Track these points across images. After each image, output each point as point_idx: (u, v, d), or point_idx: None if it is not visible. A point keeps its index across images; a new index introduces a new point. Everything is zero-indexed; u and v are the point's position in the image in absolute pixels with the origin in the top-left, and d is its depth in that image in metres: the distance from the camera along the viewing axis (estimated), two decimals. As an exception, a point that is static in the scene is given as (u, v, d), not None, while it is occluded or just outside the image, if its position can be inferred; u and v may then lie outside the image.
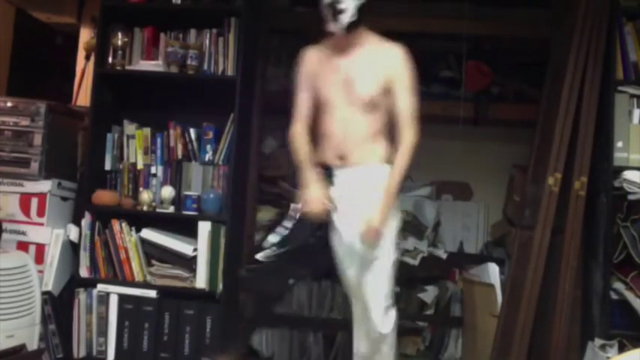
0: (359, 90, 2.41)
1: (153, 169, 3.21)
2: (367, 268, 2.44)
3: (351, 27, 2.35)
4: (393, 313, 2.52)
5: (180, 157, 3.21)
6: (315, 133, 2.55)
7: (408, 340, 3.77)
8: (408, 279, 3.78)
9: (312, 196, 2.44)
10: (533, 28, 3.78)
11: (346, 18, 2.32)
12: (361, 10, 2.34)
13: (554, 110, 3.13)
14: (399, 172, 2.42)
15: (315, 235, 2.50)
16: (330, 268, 2.55)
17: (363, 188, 2.45)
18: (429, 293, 3.80)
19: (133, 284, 3.08)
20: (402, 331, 3.75)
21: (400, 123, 2.42)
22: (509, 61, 4.04)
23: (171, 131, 3.21)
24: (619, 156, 2.97)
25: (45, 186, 3.14)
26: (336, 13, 2.32)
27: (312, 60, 2.52)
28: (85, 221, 3.10)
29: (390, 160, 2.46)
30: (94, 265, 3.10)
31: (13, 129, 3.17)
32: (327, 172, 2.49)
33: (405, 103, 2.42)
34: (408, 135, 2.41)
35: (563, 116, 3.04)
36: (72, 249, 3.17)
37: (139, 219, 3.12)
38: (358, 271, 2.46)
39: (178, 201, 3.15)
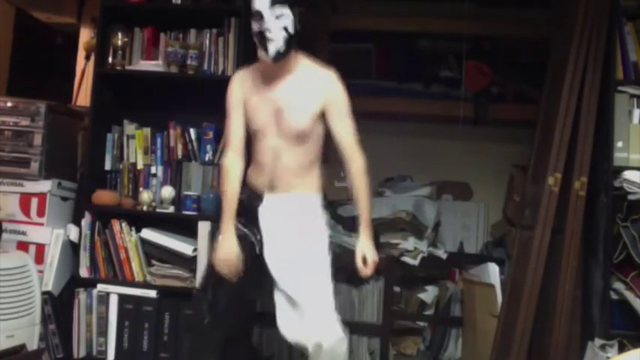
0: (289, 121, 2.32)
1: (153, 169, 3.21)
2: (304, 280, 2.33)
3: (279, 57, 2.28)
4: (340, 331, 2.29)
5: (180, 157, 3.21)
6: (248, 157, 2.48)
7: (408, 340, 3.77)
8: (408, 279, 3.78)
9: (226, 250, 2.31)
10: (533, 28, 3.79)
11: (274, 48, 2.26)
12: (289, 42, 2.28)
13: (554, 110, 3.13)
14: (366, 198, 2.36)
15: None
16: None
17: (292, 213, 2.37)
18: (429, 293, 3.81)
19: (133, 284, 3.08)
20: (402, 331, 3.76)
21: (345, 149, 2.36)
22: (509, 61, 4.05)
23: (171, 131, 3.21)
24: (619, 156, 2.97)
25: (45, 186, 3.14)
26: (265, 42, 2.25)
27: (243, 84, 2.42)
28: (85, 221, 3.10)
29: (321, 189, 2.42)
30: (94, 265, 3.10)
31: (13, 129, 3.17)
32: (255, 196, 2.40)
33: (346, 129, 2.35)
34: (358, 159, 2.36)
35: (563, 116, 3.05)
36: (72, 249, 3.17)
37: (139, 219, 3.12)
38: (293, 284, 2.33)
39: (178, 201, 3.15)
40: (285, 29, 2.27)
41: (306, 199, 2.41)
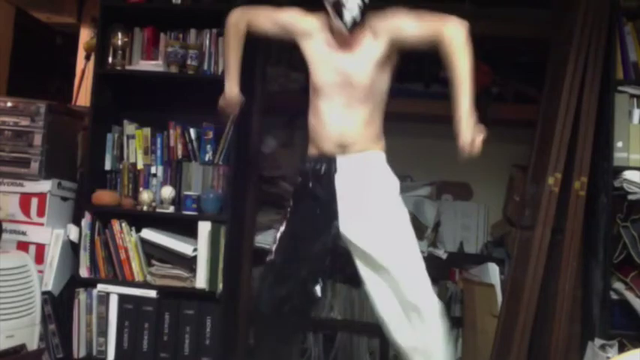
0: (357, 81, 2.35)
1: (153, 169, 3.21)
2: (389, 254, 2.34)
3: (354, 26, 2.31)
4: (434, 297, 2.35)
5: (180, 157, 3.21)
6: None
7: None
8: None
9: (230, 93, 2.57)
10: (533, 28, 3.78)
11: (350, 16, 2.28)
12: (364, 10, 2.30)
13: (554, 110, 3.13)
14: (467, 77, 2.20)
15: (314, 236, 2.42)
16: (332, 268, 2.50)
17: (367, 176, 2.39)
18: (429, 293, 3.80)
19: (133, 284, 3.08)
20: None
21: (433, 30, 2.26)
22: (509, 61, 4.04)
23: (171, 131, 3.21)
24: (619, 156, 2.97)
25: (45, 186, 3.14)
26: (341, 10, 2.28)
27: (312, 27, 2.40)
28: (85, 221, 3.10)
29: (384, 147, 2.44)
30: (94, 265, 3.10)
31: (13, 129, 3.17)
32: (327, 160, 2.42)
33: (424, 22, 2.29)
34: (452, 24, 2.25)
35: (563, 116, 3.05)
36: (72, 249, 3.17)
37: (139, 219, 3.12)
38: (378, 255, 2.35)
39: (178, 201, 3.14)
40: None
41: (377, 159, 2.42)
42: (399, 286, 2.31)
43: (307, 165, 2.46)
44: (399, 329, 2.35)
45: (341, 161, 2.40)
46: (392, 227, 2.37)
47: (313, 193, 2.43)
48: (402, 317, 2.33)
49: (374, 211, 2.38)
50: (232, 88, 2.58)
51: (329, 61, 2.39)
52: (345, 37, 2.36)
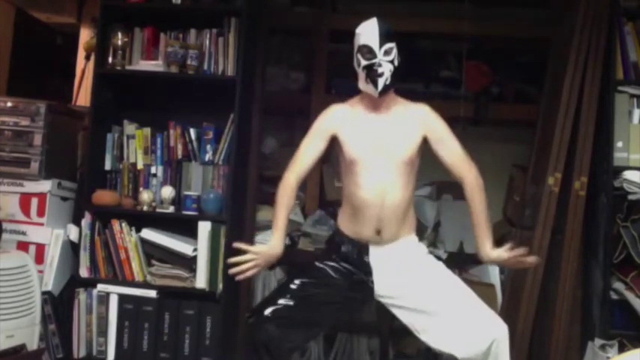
0: (396, 149, 2.33)
1: (153, 169, 3.21)
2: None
3: (385, 91, 2.31)
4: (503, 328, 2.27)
5: (180, 157, 3.21)
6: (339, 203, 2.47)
7: (408, 340, 3.77)
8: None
9: (276, 248, 2.37)
10: (533, 28, 3.79)
11: (382, 82, 2.29)
12: (395, 74, 2.32)
13: (554, 110, 3.13)
14: (484, 213, 2.37)
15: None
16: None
17: (404, 263, 2.37)
18: (429, 293, 3.80)
19: (133, 284, 3.08)
20: (402, 331, 3.75)
21: (455, 168, 2.38)
22: (509, 61, 4.05)
23: (171, 131, 3.21)
24: (619, 156, 2.97)
25: (45, 186, 3.14)
26: (375, 76, 2.28)
27: (335, 118, 2.40)
28: (85, 221, 3.10)
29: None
30: (94, 265, 3.10)
31: (13, 129, 3.17)
32: (359, 247, 2.38)
33: (452, 148, 2.38)
34: (470, 173, 2.37)
35: (563, 116, 3.05)
36: (72, 249, 3.17)
37: (139, 219, 3.12)
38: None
39: (178, 201, 3.14)
40: (392, 62, 2.31)
41: (411, 245, 2.41)
42: (467, 324, 2.28)
43: (339, 244, 2.42)
44: None
45: (374, 250, 2.37)
46: (436, 276, 2.37)
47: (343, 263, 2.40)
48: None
49: (414, 271, 2.37)
50: (279, 245, 2.39)
51: (363, 130, 2.36)
52: (372, 103, 2.37)
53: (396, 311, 2.39)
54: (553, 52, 3.45)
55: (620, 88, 3.02)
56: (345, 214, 2.44)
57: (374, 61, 2.28)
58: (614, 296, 2.92)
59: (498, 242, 3.85)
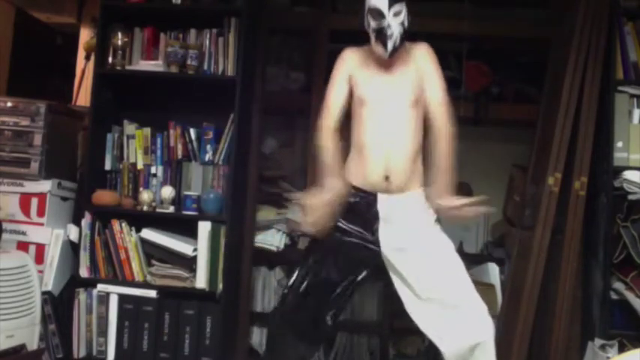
0: (402, 95, 2.37)
1: (153, 169, 3.21)
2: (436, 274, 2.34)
3: (395, 52, 2.35)
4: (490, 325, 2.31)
5: (180, 157, 3.21)
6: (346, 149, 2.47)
7: (408, 340, 3.77)
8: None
9: (333, 185, 2.34)
10: (533, 28, 3.78)
11: (392, 44, 2.32)
12: (404, 36, 2.35)
13: (554, 110, 3.13)
14: (449, 159, 2.37)
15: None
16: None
17: (411, 218, 2.38)
18: (429, 293, 3.80)
19: (133, 284, 3.08)
20: (402, 331, 3.76)
21: (433, 108, 2.38)
22: (509, 61, 4.04)
23: (171, 131, 3.21)
24: (619, 156, 2.98)
25: (45, 186, 3.14)
26: (384, 38, 2.31)
27: (351, 61, 2.46)
28: (85, 221, 3.10)
29: (425, 183, 2.42)
30: (94, 265, 3.10)
31: (13, 129, 3.17)
32: (366, 198, 2.39)
33: (438, 91, 2.39)
34: (446, 119, 2.37)
35: (563, 116, 3.05)
36: (72, 249, 3.17)
37: (139, 219, 3.12)
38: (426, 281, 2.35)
39: (178, 201, 3.14)
40: (402, 24, 2.33)
41: (419, 201, 2.41)
42: (455, 318, 2.30)
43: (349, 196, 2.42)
44: None
45: (382, 199, 2.38)
46: (440, 256, 2.36)
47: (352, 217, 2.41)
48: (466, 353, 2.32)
49: (420, 240, 2.37)
50: (339, 185, 2.36)
51: (373, 74, 2.42)
52: (384, 61, 2.39)
53: (393, 277, 2.40)
54: (553, 52, 3.45)
55: (620, 88, 3.02)
56: (353, 161, 2.45)
57: (383, 23, 2.31)
58: (614, 296, 2.92)
59: (498, 242, 3.89)
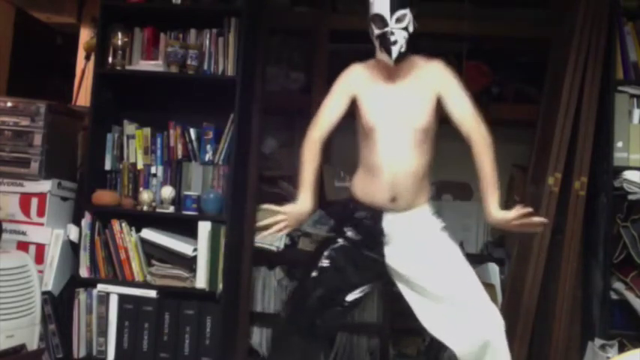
0: (412, 117, 2.31)
1: (153, 169, 3.21)
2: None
3: (400, 58, 2.29)
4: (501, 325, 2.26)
5: (180, 157, 3.21)
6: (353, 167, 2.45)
7: (408, 340, 3.77)
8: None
9: (304, 206, 2.34)
10: (533, 28, 3.79)
11: (397, 50, 2.27)
12: (409, 41, 2.29)
13: (554, 110, 3.13)
14: (492, 174, 2.35)
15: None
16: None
17: (417, 234, 2.37)
18: (429, 293, 3.80)
19: (133, 284, 3.08)
20: (402, 331, 3.76)
21: (465, 126, 2.33)
22: (509, 61, 4.04)
23: (171, 131, 3.21)
24: (619, 156, 2.98)
25: (45, 186, 3.14)
26: (388, 44, 2.27)
27: (356, 78, 2.40)
28: (85, 221, 3.10)
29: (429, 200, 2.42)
30: (94, 265, 3.10)
31: (13, 129, 3.17)
32: (372, 215, 2.38)
33: (464, 106, 2.33)
34: (480, 134, 2.35)
35: (563, 116, 3.05)
36: (72, 249, 3.17)
37: (139, 219, 3.12)
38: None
39: (178, 201, 3.14)
40: (406, 29, 2.28)
41: (424, 215, 2.41)
42: (464, 318, 2.27)
43: (353, 211, 2.41)
44: None
45: (388, 217, 2.37)
46: (449, 261, 2.36)
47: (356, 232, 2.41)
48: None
49: (428, 251, 2.36)
50: (307, 201, 2.35)
51: (380, 95, 2.36)
52: (393, 74, 2.36)
53: (401, 287, 2.39)
54: (553, 52, 3.45)
55: (620, 88, 3.02)
56: (360, 179, 2.43)
57: (386, 29, 2.27)
58: (614, 296, 2.92)
59: (498, 242, 3.89)
